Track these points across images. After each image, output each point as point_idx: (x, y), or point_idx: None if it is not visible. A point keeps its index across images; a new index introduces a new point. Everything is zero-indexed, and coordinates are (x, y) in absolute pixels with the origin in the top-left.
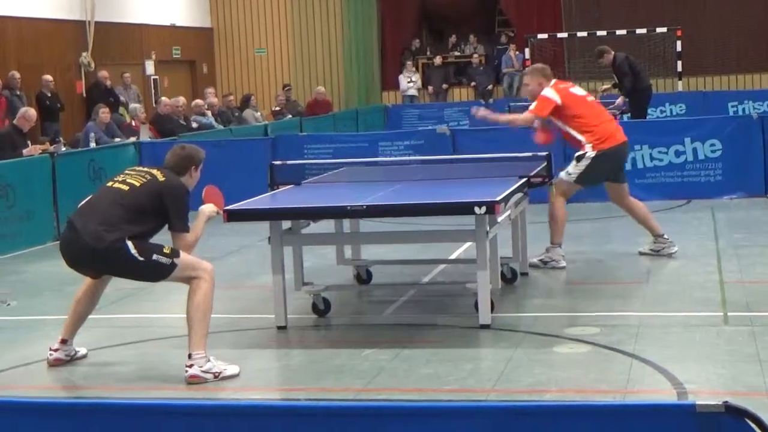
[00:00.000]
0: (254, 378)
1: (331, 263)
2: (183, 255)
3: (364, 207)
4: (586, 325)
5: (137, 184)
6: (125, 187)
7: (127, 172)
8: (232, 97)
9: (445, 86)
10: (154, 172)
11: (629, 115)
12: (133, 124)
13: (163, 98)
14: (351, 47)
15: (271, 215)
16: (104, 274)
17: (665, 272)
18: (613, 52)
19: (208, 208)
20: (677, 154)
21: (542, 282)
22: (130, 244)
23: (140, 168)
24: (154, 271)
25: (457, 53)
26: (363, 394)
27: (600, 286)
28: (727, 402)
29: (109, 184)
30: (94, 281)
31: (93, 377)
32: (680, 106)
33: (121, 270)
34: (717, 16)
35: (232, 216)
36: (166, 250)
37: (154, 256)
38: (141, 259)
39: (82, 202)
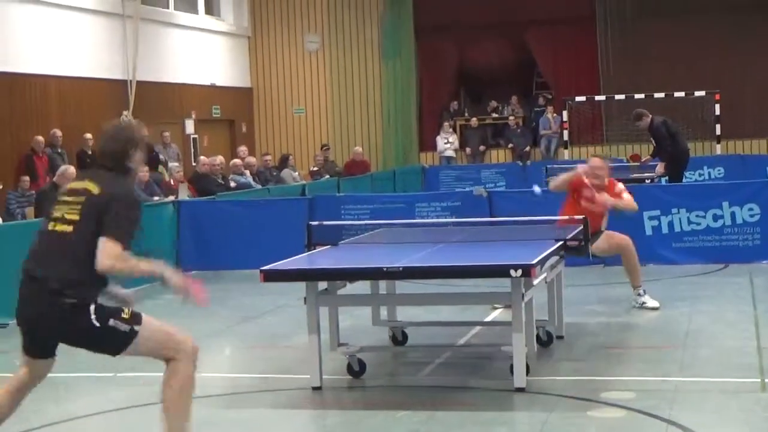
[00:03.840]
0: None
1: (367, 324)
2: (148, 322)
3: (401, 269)
4: (622, 389)
5: (77, 218)
6: (68, 228)
7: (61, 200)
8: (269, 157)
9: (482, 148)
10: (87, 185)
11: (667, 178)
12: (172, 182)
13: (202, 157)
14: (389, 108)
15: (308, 276)
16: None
17: (702, 337)
18: (650, 116)
19: (176, 275)
20: (715, 218)
21: (578, 345)
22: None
23: (73, 186)
24: (108, 340)
25: (495, 115)
26: None
27: (636, 350)
28: None
29: (50, 226)
30: (27, 374)
31: None
32: (719, 170)
33: (73, 337)
34: (756, 80)
35: (269, 276)
36: (125, 315)
37: (111, 321)
38: (97, 324)
39: (33, 246)
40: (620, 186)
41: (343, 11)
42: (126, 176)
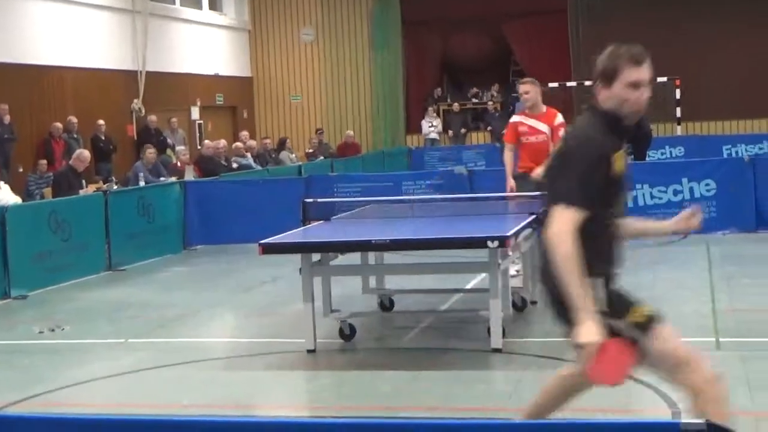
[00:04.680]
0: (285, 397)
1: (357, 292)
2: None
3: (388, 241)
4: None
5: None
6: None
7: None
8: (269, 140)
9: (463, 131)
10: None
11: (632, 157)
12: (178, 164)
13: (206, 141)
14: (378, 94)
15: (303, 248)
16: None
17: (663, 301)
18: None
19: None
20: (675, 192)
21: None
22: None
23: None
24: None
25: (475, 100)
26: (384, 412)
27: None
28: (709, 420)
29: None
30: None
31: (138, 396)
32: (679, 149)
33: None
34: (714, 67)
35: (267, 249)
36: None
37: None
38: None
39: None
40: (559, 119)
41: (336, 6)
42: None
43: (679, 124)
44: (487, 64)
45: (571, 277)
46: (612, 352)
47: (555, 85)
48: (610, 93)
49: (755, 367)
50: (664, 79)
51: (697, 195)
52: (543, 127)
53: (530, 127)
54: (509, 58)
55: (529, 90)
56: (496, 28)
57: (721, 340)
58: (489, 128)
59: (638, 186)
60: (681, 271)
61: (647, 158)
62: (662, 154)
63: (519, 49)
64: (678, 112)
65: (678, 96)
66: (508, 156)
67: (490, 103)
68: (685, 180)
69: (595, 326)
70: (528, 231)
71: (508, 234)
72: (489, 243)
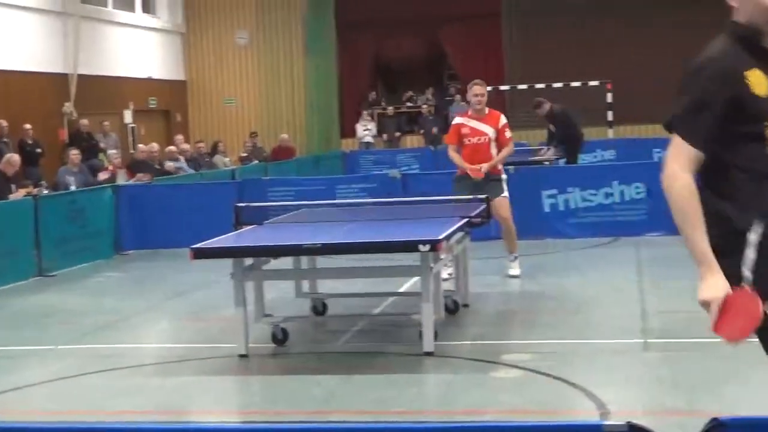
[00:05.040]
0: (216, 403)
1: (290, 296)
2: None
3: (320, 245)
4: (521, 352)
5: None
6: None
7: None
8: (202, 144)
9: (398, 134)
10: None
11: (564, 160)
12: (111, 168)
13: (140, 145)
14: (312, 98)
15: (234, 253)
16: None
17: (594, 303)
18: (549, 104)
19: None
20: (606, 195)
21: (482, 312)
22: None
23: None
24: None
25: (409, 104)
26: (315, 416)
27: (534, 316)
28: (630, 422)
29: None
30: None
31: (67, 403)
32: (611, 152)
33: None
34: (645, 70)
35: (198, 254)
36: None
37: None
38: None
39: None
40: (503, 120)
41: (271, 9)
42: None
43: (610, 127)
44: (421, 68)
45: (684, 224)
46: (738, 306)
47: (489, 88)
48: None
49: (682, 368)
50: (596, 82)
51: (627, 198)
52: (486, 128)
53: (472, 128)
54: (443, 61)
55: (483, 92)
56: (431, 31)
57: (648, 341)
58: (423, 131)
59: (570, 189)
60: (610, 274)
61: (579, 161)
62: (594, 157)
63: (453, 53)
64: (610, 115)
65: (610, 99)
66: (455, 155)
67: (425, 106)
68: (615, 183)
69: (718, 281)
70: (460, 234)
71: (440, 238)
72: (421, 247)
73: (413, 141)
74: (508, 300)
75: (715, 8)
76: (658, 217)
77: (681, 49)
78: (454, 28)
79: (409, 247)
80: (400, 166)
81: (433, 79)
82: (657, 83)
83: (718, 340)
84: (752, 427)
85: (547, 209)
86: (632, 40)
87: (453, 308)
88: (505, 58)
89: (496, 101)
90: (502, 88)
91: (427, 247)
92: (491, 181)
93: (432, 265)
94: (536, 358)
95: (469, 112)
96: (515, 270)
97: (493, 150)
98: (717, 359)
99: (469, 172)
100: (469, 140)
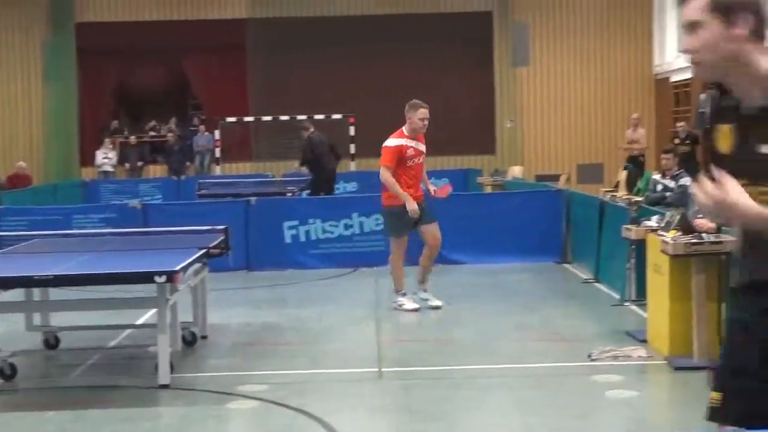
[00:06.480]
0: None
1: (21, 329)
2: None
3: (52, 277)
4: (258, 383)
5: None
6: None
7: None
8: None
9: (140, 163)
10: None
11: (309, 192)
12: None
13: None
14: (51, 125)
15: None
16: None
17: (331, 333)
18: (311, 129)
19: None
20: (346, 227)
21: (220, 344)
22: None
23: None
24: None
25: (153, 133)
26: None
27: (272, 347)
28: None
29: None
30: None
31: None
32: (353, 184)
33: None
34: (386, 105)
35: None
36: None
37: None
38: None
39: None
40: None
41: (8, 34)
42: None
43: (353, 159)
44: (165, 97)
45: None
46: None
47: (233, 119)
48: None
49: (416, 395)
50: (340, 116)
51: (367, 229)
52: (423, 148)
53: (416, 149)
54: (188, 91)
55: (428, 116)
56: (176, 61)
57: (383, 369)
58: (167, 161)
59: (311, 221)
60: (349, 304)
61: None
62: (337, 189)
63: (197, 83)
64: (352, 148)
65: (352, 133)
66: (393, 180)
67: (170, 134)
68: (356, 214)
69: None
70: (199, 265)
71: (177, 268)
72: (156, 278)
73: (156, 171)
74: (246, 331)
75: (448, 49)
76: None
77: (419, 85)
78: (199, 58)
79: (145, 278)
80: (142, 196)
81: (177, 109)
82: (395, 118)
83: (452, 368)
84: None
85: (288, 240)
86: (375, 73)
87: (191, 340)
88: (250, 89)
89: (241, 133)
90: (247, 119)
91: (163, 278)
92: (423, 201)
93: (168, 296)
94: (273, 388)
95: (406, 133)
96: (437, 300)
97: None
98: (450, 387)
99: (413, 210)
100: (413, 161)
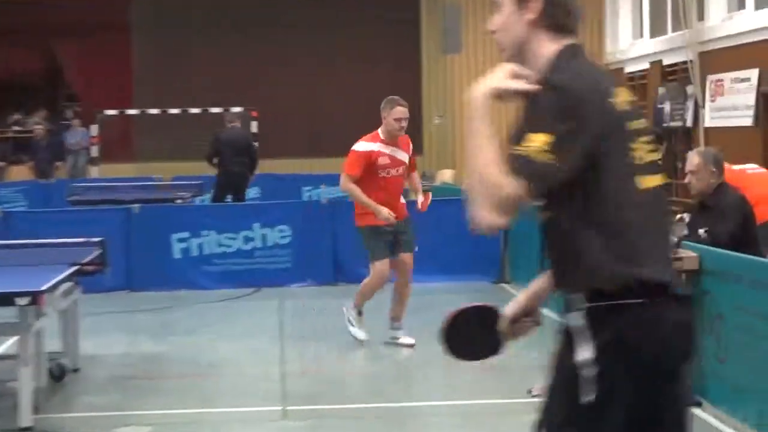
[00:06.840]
0: None
1: None
2: None
3: None
4: (140, 424)
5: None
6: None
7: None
8: None
9: (2, 164)
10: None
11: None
12: None
13: None
14: None
15: None
16: None
17: (227, 365)
18: (231, 125)
19: None
20: (246, 240)
21: (95, 378)
22: None
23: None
24: None
25: (17, 128)
26: None
27: (157, 381)
28: None
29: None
30: None
31: None
32: (255, 190)
33: None
34: (290, 100)
35: None
36: None
37: None
38: None
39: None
40: (409, 142)
41: None
42: None
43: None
44: (32, 86)
45: None
46: None
47: (113, 112)
48: None
49: None
50: (240, 109)
51: (270, 243)
52: (403, 156)
53: (392, 157)
54: (59, 79)
55: (407, 116)
56: (45, 43)
57: (288, 408)
58: (33, 161)
59: (204, 233)
60: (249, 331)
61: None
62: None
63: (71, 70)
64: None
65: (255, 129)
66: (356, 188)
67: (37, 128)
68: (257, 225)
69: None
70: (70, 284)
71: (42, 289)
72: (18, 300)
73: (21, 172)
74: (127, 363)
75: (367, 33)
76: (304, 265)
77: (334, 75)
78: (73, 39)
79: (4, 300)
80: (3, 203)
81: (46, 100)
82: (311, 116)
83: (369, 405)
84: None
85: (178, 255)
86: (281, 63)
87: (59, 374)
88: (134, 76)
89: (123, 127)
90: (130, 112)
91: (26, 300)
92: (407, 223)
93: (32, 321)
94: (158, 430)
95: (382, 137)
96: (410, 338)
97: None
98: (366, 428)
99: (385, 218)
100: (388, 172)
